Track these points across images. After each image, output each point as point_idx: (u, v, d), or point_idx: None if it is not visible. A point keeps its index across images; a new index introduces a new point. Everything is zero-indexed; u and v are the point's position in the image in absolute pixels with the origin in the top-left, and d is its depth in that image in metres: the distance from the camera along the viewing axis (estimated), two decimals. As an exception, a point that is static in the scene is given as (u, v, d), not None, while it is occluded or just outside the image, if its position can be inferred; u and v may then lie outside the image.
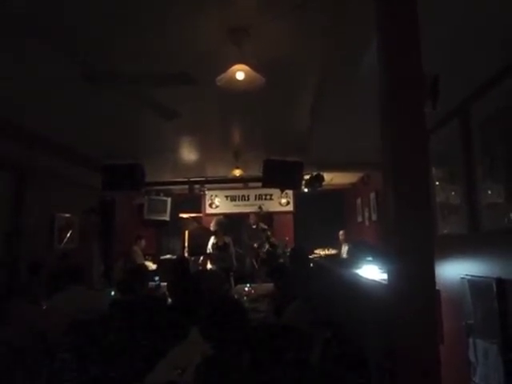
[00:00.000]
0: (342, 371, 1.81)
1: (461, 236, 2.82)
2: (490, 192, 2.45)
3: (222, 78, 2.66)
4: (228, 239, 6.98)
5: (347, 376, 1.79)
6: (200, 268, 6.82)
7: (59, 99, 3.68)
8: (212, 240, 6.98)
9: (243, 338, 1.90)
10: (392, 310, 1.40)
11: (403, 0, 1.50)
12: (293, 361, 1.76)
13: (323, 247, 8.00)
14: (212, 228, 7.06)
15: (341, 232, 8.17)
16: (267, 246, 7.91)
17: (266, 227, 8.18)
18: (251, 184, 8.03)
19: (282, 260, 8.00)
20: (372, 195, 6.95)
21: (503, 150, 2.27)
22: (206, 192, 8.81)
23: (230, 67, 2.61)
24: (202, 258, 7.15)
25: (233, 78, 2.63)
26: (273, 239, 8.02)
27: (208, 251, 6.98)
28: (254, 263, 8.04)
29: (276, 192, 8.96)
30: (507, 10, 1.77)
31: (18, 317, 2.75)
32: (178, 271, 4.00)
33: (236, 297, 4.34)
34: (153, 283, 4.95)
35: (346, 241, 7.97)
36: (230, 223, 7.72)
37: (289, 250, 7.12)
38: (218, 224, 6.99)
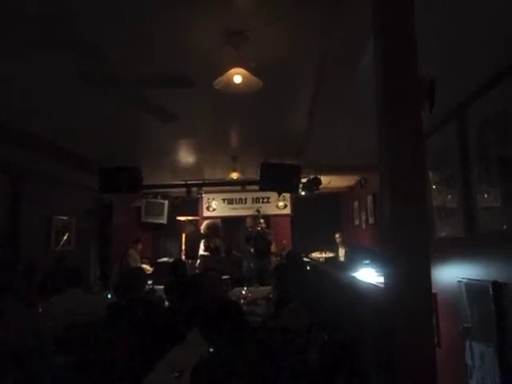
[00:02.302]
0: (339, 374, 1.81)
1: (457, 239, 2.82)
2: (486, 195, 2.46)
3: (219, 82, 2.67)
4: (219, 242, 6.96)
5: (344, 379, 1.79)
6: (197, 271, 6.80)
7: (58, 101, 3.68)
8: (202, 243, 6.97)
9: (242, 340, 1.90)
10: (389, 313, 1.41)
11: (401, 2, 1.51)
12: (290, 363, 1.75)
13: (320, 250, 8.00)
14: (202, 231, 7.05)
15: (337, 235, 8.19)
16: (258, 228, 7.94)
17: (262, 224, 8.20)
18: (248, 187, 8.03)
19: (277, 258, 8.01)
20: (369, 198, 6.96)
21: (500, 154, 2.28)
22: (203, 195, 8.80)
23: (228, 70, 2.62)
24: (198, 261, 7.14)
25: (230, 81, 2.64)
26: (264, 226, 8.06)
27: (200, 254, 6.96)
28: (252, 266, 8.03)
29: (273, 195, 8.96)
30: (505, 12, 1.79)
31: (13, 319, 2.73)
32: (175, 274, 4.00)
33: (233, 300, 4.33)
34: (147, 286, 4.93)
35: (343, 243, 7.98)
36: (225, 226, 7.71)
37: (286, 252, 7.14)
38: (208, 227, 6.98)
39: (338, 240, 8.13)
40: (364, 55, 2.32)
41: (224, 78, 2.64)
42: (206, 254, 6.88)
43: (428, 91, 1.80)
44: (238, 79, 2.62)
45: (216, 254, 6.84)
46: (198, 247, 7.10)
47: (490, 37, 2.01)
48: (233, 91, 2.75)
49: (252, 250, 8.06)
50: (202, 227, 7.10)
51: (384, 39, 1.53)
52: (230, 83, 2.65)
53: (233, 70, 2.61)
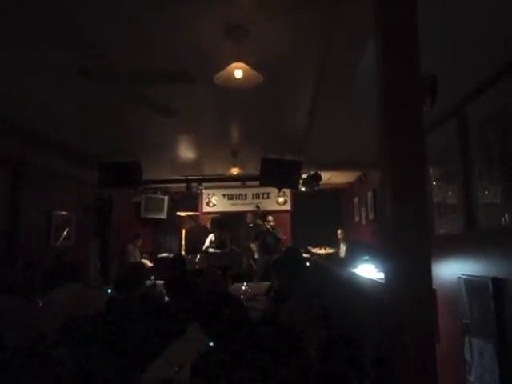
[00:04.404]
0: (338, 370, 1.81)
1: (457, 236, 2.82)
2: (486, 192, 2.46)
3: (220, 76, 2.66)
4: (224, 236, 7.00)
5: (344, 374, 1.80)
6: (197, 266, 6.82)
7: (58, 97, 3.67)
8: (211, 237, 7.01)
9: (242, 335, 1.90)
10: (389, 308, 1.41)
11: (402, 0, 1.50)
12: (289, 358, 1.76)
13: (320, 246, 8.01)
14: (209, 225, 7.13)
15: (339, 231, 8.21)
16: (268, 226, 7.95)
17: (262, 223, 8.21)
18: (248, 183, 8.03)
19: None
20: (369, 194, 6.96)
21: (500, 150, 2.28)
22: (203, 190, 8.81)
23: (229, 65, 2.61)
24: (198, 256, 7.15)
25: (231, 75, 2.63)
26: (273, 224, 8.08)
27: (204, 248, 6.99)
28: (251, 262, 8.04)
29: (273, 191, 8.95)
30: (506, 10, 1.78)
31: (14, 314, 2.74)
32: (175, 269, 4.00)
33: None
34: (149, 281, 4.94)
35: (345, 239, 8.00)
36: (227, 221, 7.73)
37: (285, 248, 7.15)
38: (214, 222, 7.03)
39: (340, 236, 8.15)
40: (365, 52, 2.31)
41: (225, 72, 2.63)
42: (211, 249, 6.92)
43: (430, 86, 1.79)
44: (238, 74, 2.62)
45: (222, 248, 6.88)
46: (199, 242, 7.13)
47: (490, 35, 2.00)
48: (233, 86, 2.74)
49: (252, 245, 8.06)
50: (210, 222, 7.15)
51: (385, 37, 1.53)
52: (231, 78, 2.64)
53: (233, 65, 2.60)
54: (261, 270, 7.53)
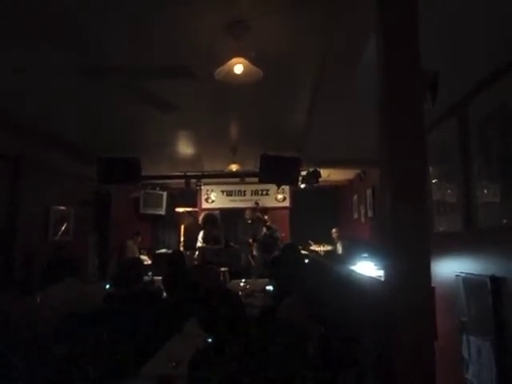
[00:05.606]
0: (336, 367, 1.81)
1: (456, 234, 2.83)
2: (485, 191, 2.46)
3: (220, 72, 2.65)
4: (217, 232, 6.98)
5: (342, 372, 1.80)
6: (195, 262, 6.83)
7: (57, 92, 3.65)
8: (201, 234, 6.99)
9: (240, 331, 1.91)
10: (388, 306, 1.41)
11: (402, 0, 1.50)
12: (288, 355, 1.76)
13: (319, 243, 8.02)
14: (200, 222, 7.11)
15: (333, 230, 8.19)
16: (264, 230, 7.90)
17: (260, 219, 8.20)
18: (247, 179, 8.02)
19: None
20: (368, 192, 6.96)
21: (500, 149, 2.27)
22: (202, 187, 8.80)
23: (229, 60, 2.60)
24: (197, 252, 7.16)
25: (231, 71, 2.62)
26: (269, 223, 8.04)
27: (198, 245, 6.99)
28: (250, 259, 8.05)
29: (272, 187, 8.96)
30: (507, 9, 1.77)
31: (12, 309, 2.74)
32: (173, 265, 4.00)
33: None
34: (146, 277, 4.95)
35: (340, 238, 8.00)
36: (223, 218, 7.73)
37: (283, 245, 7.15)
38: (206, 218, 7.03)
39: (334, 235, 8.14)
40: (365, 49, 2.31)
41: (225, 67, 2.62)
42: (203, 245, 6.90)
43: (431, 84, 1.78)
44: (238, 69, 2.61)
45: (215, 244, 6.86)
46: (197, 239, 7.12)
47: (489, 34, 2.00)
48: (233, 81, 2.73)
49: (251, 240, 8.06)
50: (201, 218, 7.13)
51: (386, 33, 1.52)
52: (231, 73, 2.63)
53: (233, 60, 2.59)
54: (259, 266, 7.53)
